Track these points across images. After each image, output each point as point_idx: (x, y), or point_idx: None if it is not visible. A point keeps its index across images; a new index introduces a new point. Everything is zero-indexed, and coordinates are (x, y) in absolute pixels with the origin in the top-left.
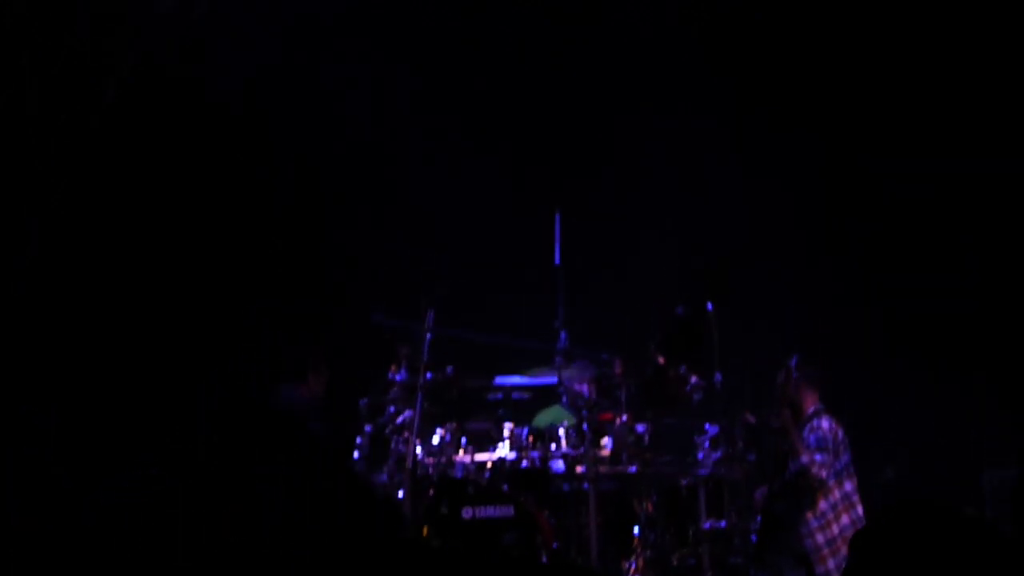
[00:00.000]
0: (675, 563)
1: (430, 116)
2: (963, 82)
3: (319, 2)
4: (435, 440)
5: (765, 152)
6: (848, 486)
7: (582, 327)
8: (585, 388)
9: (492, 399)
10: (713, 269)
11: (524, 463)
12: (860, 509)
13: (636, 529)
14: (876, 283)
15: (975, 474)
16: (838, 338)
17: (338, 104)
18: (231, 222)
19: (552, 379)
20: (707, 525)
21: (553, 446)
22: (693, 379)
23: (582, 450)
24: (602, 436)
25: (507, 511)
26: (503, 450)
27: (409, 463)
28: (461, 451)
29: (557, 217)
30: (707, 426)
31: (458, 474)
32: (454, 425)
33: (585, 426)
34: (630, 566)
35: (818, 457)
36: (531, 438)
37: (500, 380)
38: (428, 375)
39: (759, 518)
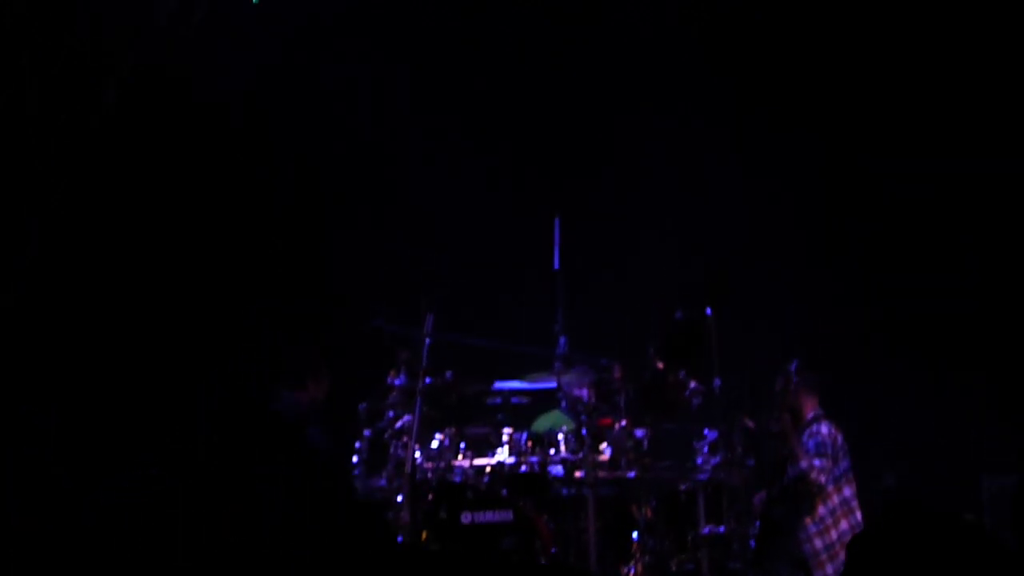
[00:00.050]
0: (674, 568)
1: (429, 118)
2: (963, 82)
3: (319, 3)
4: (434, 445)
5: (765, 152)
6: (847, 492)
7: (581, 332)
8: (584, 393)
9: (491, 404)
10: (713, 273)
11: (523, 468)
12: (859, 515)
13: (635, 534)
14: (876, 283)
15: (975, 479)
16: (838, 340)
17: (338, 104)
18: (231, 222)
19: (551, 384)
20: (706, 530)
21: (552, 451)
22: (692, 384)
23: (581, 455)
24: (601, 441)
25: (506, 516)
26: (502, 455)
27: (408, 468)
28: (460, 456)
29: (556, 222)
30: (706, 431)
31: (457, 479)
32: (453, 430)
33: (584, 431)
34: (629, 571)
35: (817, 462)
36: (530, 443)
37: (499, 385)
38: (427, 380)
39: (758, 523)
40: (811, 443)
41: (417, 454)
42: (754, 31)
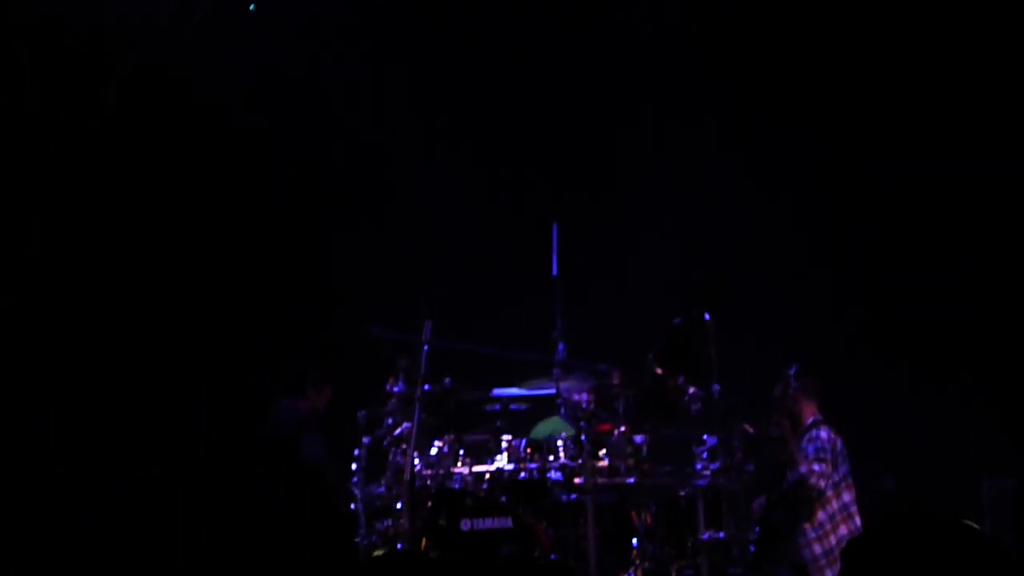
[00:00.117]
0: (674, 574)
1: (428, 121)
2: (963, 82)
3: (320, 3)
4: (433, 452)
5: (765, 152)
6: (846, 497)
7: (580, 338)
8: (583, 399)
9: (490, 411)
10: (712, 277)
11: (522, 474)
12: (858, 520)
13: (635, 540)
14: (876, 283)
15: (975, 481)
16: (837, 341)
17: (338, 105)
18: (231, 222)
19: (550, 390)
20: (706, 536)
21: (551, 457)
22: (691, 390)
23: (580, 461)
24: (600, 447)
25: (505, 523)
26: (501, 461)
27: (407, 475)
28: (459, 463)
29: (555, 228)
30: (705, 436)
31: (456, 486)
32: (452, 437)
33: (583, 437)
34: None
35: (816, 467)
36: (529, 449)
37: (498, 391)
38: (426, 387)
39: (757, 528)
40: (810, 448)
41: (416, 461)
42: (754, 31)
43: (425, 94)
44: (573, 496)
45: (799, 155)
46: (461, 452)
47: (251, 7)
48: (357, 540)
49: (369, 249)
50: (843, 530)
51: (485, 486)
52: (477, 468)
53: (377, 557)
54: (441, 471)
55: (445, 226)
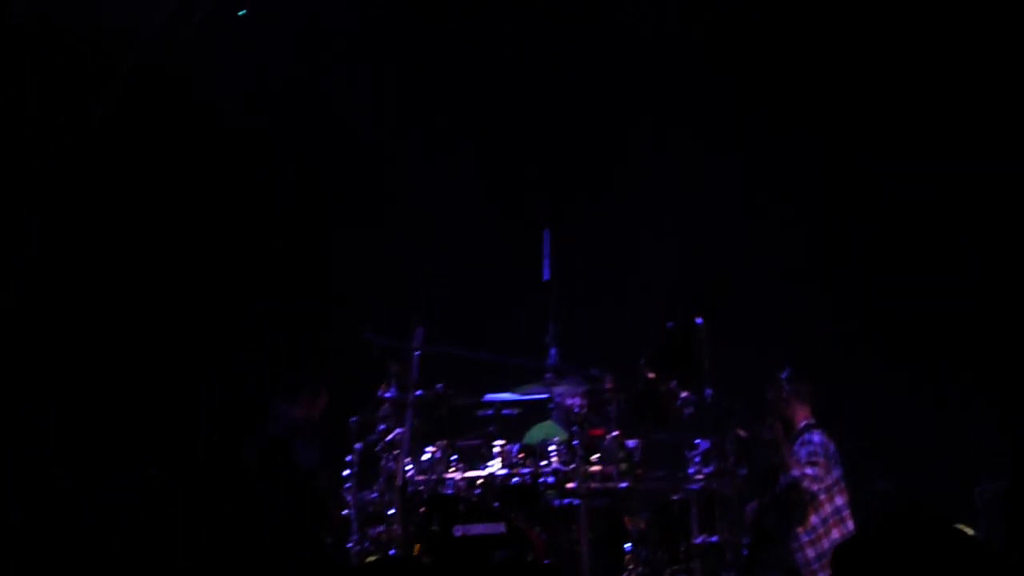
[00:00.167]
0: None
1: (427, 124)
2: (963, 82)
3: (320, 4)
4: (426, 457)
5: (765, 152)
6: (839, 501)
7: (572, 343)
8: (576, 404)
9: (482, 416)
10: (707, 280)
11: (515, 480)
12: (851, 524)
13: (628, 545)
14: (876, 283)
15: (972, 484)
16: (837, 341)
17: (338, 106)
18: (231, 222)
19: (542, 395)
20: (699, 540)
21: (544, 462)
22: (683, 394)
23: (573, 466)
24: (593, 452)
25: (498, 528)
26: (494, 467)
27: (399, 481)
28: (452, 468)
29: (546, 233)
30: (698, 441)
31: (449, 491)
32: (444, 442)
33: (576, 442)
34: None
35: (809, 471)
36: (522, 454)
37: (490, 397)
38: (418, 392)
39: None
40: (803, 452)
41: (409, 467)
42: (754, 31)
43: (424, 94)
44: (566, 501)
45: (799, 155)
46: (454, 457)
47: (241, 12)
48: (350, 546)
49: (363, 251)
50: (836, 534)
51: (478, 491)
52: (470, 473)
53: (370, 563)
54: (434, 476)
55: (439, 229)
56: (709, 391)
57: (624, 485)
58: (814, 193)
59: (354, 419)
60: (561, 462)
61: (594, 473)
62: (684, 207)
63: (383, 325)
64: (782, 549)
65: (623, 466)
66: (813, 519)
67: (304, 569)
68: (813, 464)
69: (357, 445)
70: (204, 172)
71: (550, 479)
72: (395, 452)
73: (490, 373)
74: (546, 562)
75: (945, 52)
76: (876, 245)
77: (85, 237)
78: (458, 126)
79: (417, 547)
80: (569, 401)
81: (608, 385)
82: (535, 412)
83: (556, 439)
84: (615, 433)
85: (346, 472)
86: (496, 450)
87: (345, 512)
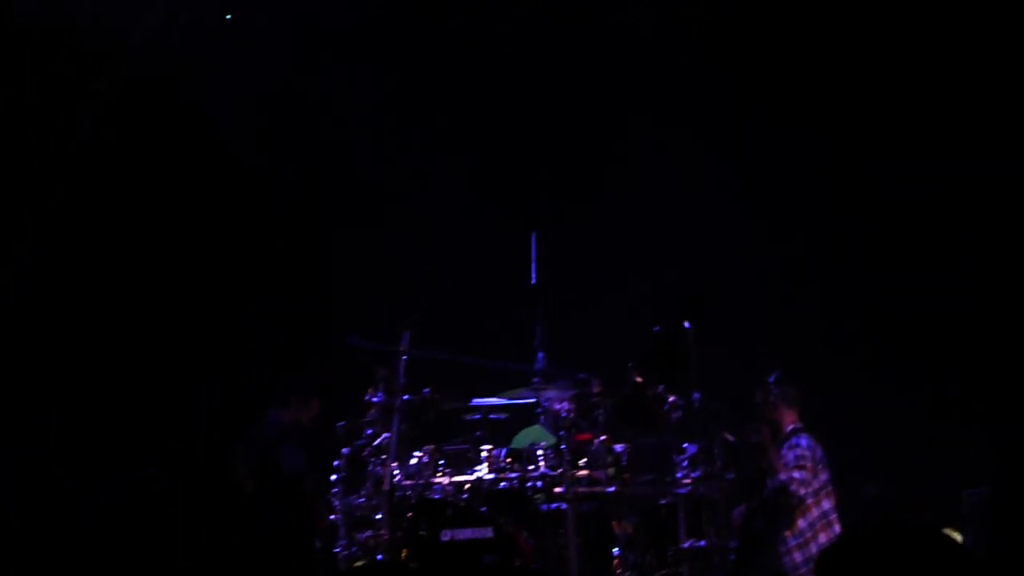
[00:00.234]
0: None
1: (416, 125)
2: (963, 82)
3: (320, 4)
4: (413, 462)
5: (765, 152)
6: (826, 504)
7: (560, 347)
8: (563, 408)
9: (470, 420)
10: (698, 284)
11: (502, 484)
12: (838, 528)
13: (615, 549)
14: (876, 283)
15: (959, 491)
16: (836, 342)
17: (338, 106)
18: (231, 223)
19: (530, 399)
20: (687, 544)
21: (531, 467)
22: (671, 398)
23: (561, 470)
24: (581, 456)
25: (486, 533)
26: (481, 471)
27: (387, 485)
28: (439, 473)
29: (533, 237)
30: (686, 445)
31: (436, 496)
32: (432, 447)
33: (563, 446)
34: None
35: (796, 475)
36: (509, 459)
37: (477, 401)
38: (405, 397)
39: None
40: (791, 455)
41: (396, 471)
42: (754, 31)
43: (423, 94)
44: (554, 505)
45: (799, 155)
46: (441, 462)
47: (227, 16)
48: (337, 551)
49: (353, 252)
50: (823, 538)
51: (465, 496)
52: (457, 478)
53: (357, 568)
54: (421, 481)
55: (428, 231)
56: (697, 395)
57: (612, 489)
58: (814, 193)
59: (341, 424)
60: (549, 466)
61: (582, 477)
62: (681, 208)
63: (373, 328)
64: (770, 553)
65: (611, 470)
66: (800, 523)
67: (293, 573)
68: (801, 468)
69: (344, 450)
70: (204, 172)
71: (538, 483)
72: (382, 456)
73: (477, 377)
74: (534, 567)
75: (945, 52)
76: (876, 245)
77: (85, 237)
78: (455, 126)
79: (404, 552)
80: (557, 405)
81: (596, 389)
82: (523, 416)
83: (544, 443)
84: (603, 437)
85: (333, 477)
86: (484, 454)
87: (332, 517)
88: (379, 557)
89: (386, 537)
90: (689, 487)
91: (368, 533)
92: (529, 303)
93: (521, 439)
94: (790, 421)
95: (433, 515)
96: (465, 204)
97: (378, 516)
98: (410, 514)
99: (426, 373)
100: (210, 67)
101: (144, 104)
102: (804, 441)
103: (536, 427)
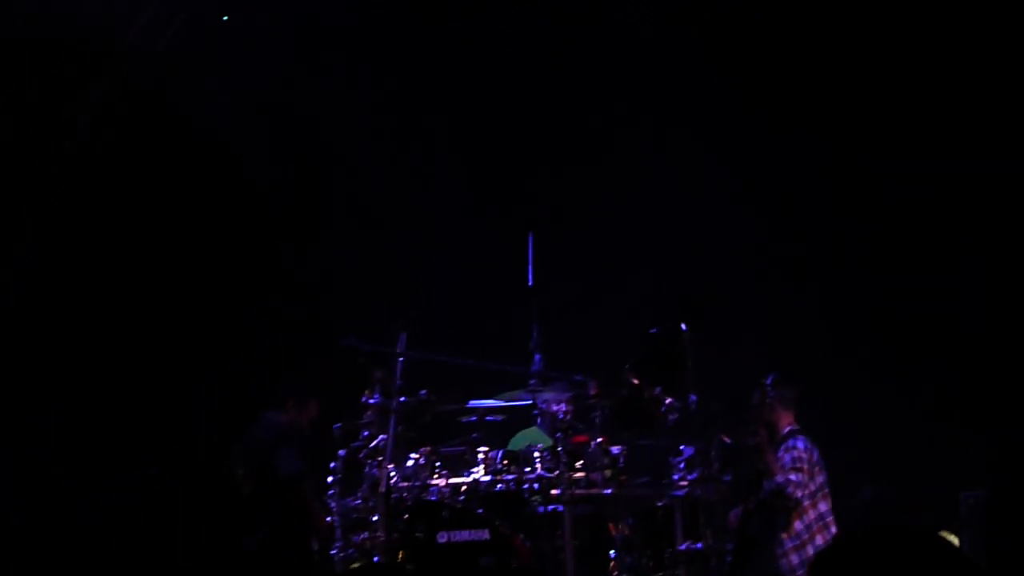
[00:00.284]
0: None
1: (406, 128)
2: (963, 82)
3: (319, 4)
4: (409, 464)
5: (765, 152)
6: (823, 507)
7: (556, 349)
8: (560, 410)
9: (466, 422)
10: (696, 285)
11: (499, 486)
12: (835, 530)
13: (612, 552)
14: (876, 283)
15: (956, 493)
16: (836, 342)
17: (338, 106)
18: (230, 223)
19: (526, 401)
20: (683, 547)
21: (528, 469)
22: (668, 400)
23: (557, 472)
24: (577, 458)
25: (482, 535)
26: (478, 473)
27: (383, 487)
28: (435, 475)
29: (530, 238)
30: (682, 447)
31: (433, 498)
32: (428, 449)
33: (560, 448)
34: None
35: (793, 477)
36: (506, 461)
37: (474, 403)
38: (402, 399)
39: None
40: (787, 457)
41: (392, 473)
42: (754, 31)
43: (423, 94)
44: (550, 507)
45: (799, 155)
46: (437, 464)
47: (224, 18)
48: (334, 553)
49: (348, 254)
50: (820, 540)
51: (462, 498)
52: (454, 480)
53: (354, 570)
54: (417, 483)
55: (425, 232)
56: (693, 397)
57: (608, 491)
58: (814, 193)
59: (337, 425)
60: (545, 468)
61: (578, 479)
62: (681, 208)
63: (369, 330)
64: (766, 555)
65: (607, 472)
66: (797, 525)
67: (291, 574)
68: (797, 470)
69: (341, 452)
70: (203, 173)
71: (534, 485)
72: (379, 458)
73: (474, 379)
74: (531, 569)
75: (945, 52)
76: (876, 245)
77: (84, 238)
78: (454, 127)
79: (401, 554)
80: (553, 407)
81: (592, 391)
82: (519, 418)
83: (540, 445)
84: (599, 439)
85: (330, 479)
86: (480, 456)
87: (329, 519)
88: (375, 559)
89: (382, 539)
90: (686, 489)
91: (364, 535)
92: (526, 304)
93: (518, 441)
94: (787, 423)
95: (429, 517)
96: (464, 204)
97: (374, 518)
98: (406, 516)
99: (422, 375)
100: (210, 67)
101: (143, 104)
102: (801, 443)
103: (533, 429)
